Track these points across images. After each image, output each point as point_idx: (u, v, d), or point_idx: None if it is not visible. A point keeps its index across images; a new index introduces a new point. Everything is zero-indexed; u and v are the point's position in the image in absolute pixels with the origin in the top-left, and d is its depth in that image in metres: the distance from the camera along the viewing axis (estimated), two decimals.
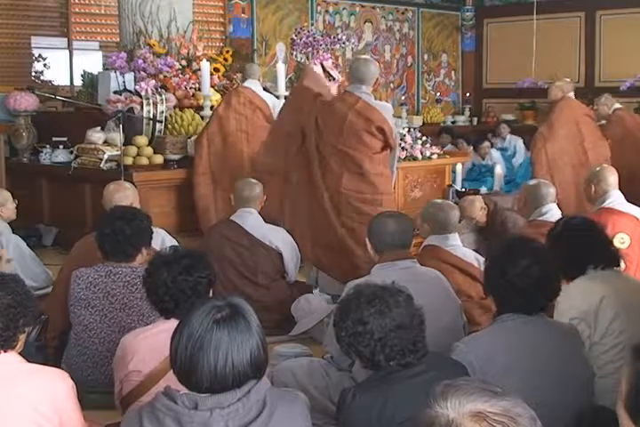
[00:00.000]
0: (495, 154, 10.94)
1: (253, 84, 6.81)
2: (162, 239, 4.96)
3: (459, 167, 7.72)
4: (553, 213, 5.19)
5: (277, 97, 7.19)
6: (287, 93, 7.41)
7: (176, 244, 4.83)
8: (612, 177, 5.45)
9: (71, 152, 6.98)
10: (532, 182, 5.55)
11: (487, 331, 3.15)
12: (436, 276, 4.11)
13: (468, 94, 13.29)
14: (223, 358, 2.17)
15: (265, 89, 7.16)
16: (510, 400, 1.59)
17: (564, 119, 7.65)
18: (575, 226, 3.74)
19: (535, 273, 3.00)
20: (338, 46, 8.43)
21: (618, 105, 8.16)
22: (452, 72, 13.35)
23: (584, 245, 3.61)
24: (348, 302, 2.74)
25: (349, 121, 5.55)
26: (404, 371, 2.66)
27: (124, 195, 4.81)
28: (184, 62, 7.59)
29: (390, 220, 4.08)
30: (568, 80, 8.14)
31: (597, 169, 5.61)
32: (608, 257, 3.64)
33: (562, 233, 3.72)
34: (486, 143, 11.05)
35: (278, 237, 5.50)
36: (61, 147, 7.17)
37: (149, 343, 3.10)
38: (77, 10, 9.02)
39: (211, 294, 3.21)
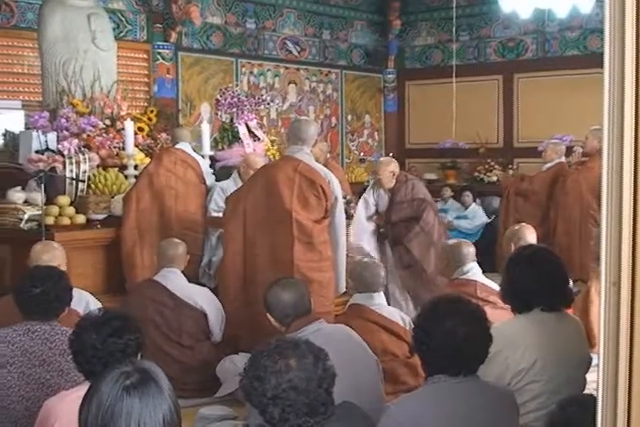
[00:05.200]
0: (476, 208, 10.95)
1: (185, 146, 6.87)
2: (86, 302, 4.86)
3: None
4: (474, 271, 5.24)
5: (202, 156, 7.22)
6: (212, 153, 7.47)
7: (100, 306, 4.75)
8: (530, 235, 5.51)
9: None
10: (451, 242, 5.57)
11: (418, 392, 3.08)
12: (347, 333, 3.99)
13: (391, 154, 13.37)
14: (135, 426, 2.13)
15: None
16: None
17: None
18: (529, 258, 3.62)
19: (461, 335, 2.94)
20: (262, 107, 8.50)
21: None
22: (376, 132, 13.54)
23: (531, 279, 3.51)
24: (255, 356, 2.68)
25: (298, 185, 5.55)
26: None
27: (52, 255, 4.74)
28: (108, 122, 7.55)
29: (285, 291, 3.92)
30: (325, 143, 9.49)
31: (516, 227, 5.66)
32: (557, 296, 3.55)
33: (516, 262, 3.62)
34: (468, 192, 11.03)
35: (203, 297, 5.46)
36: None
37: (73, 407, 3.01)
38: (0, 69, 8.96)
39: (139, 357, 3.16)
